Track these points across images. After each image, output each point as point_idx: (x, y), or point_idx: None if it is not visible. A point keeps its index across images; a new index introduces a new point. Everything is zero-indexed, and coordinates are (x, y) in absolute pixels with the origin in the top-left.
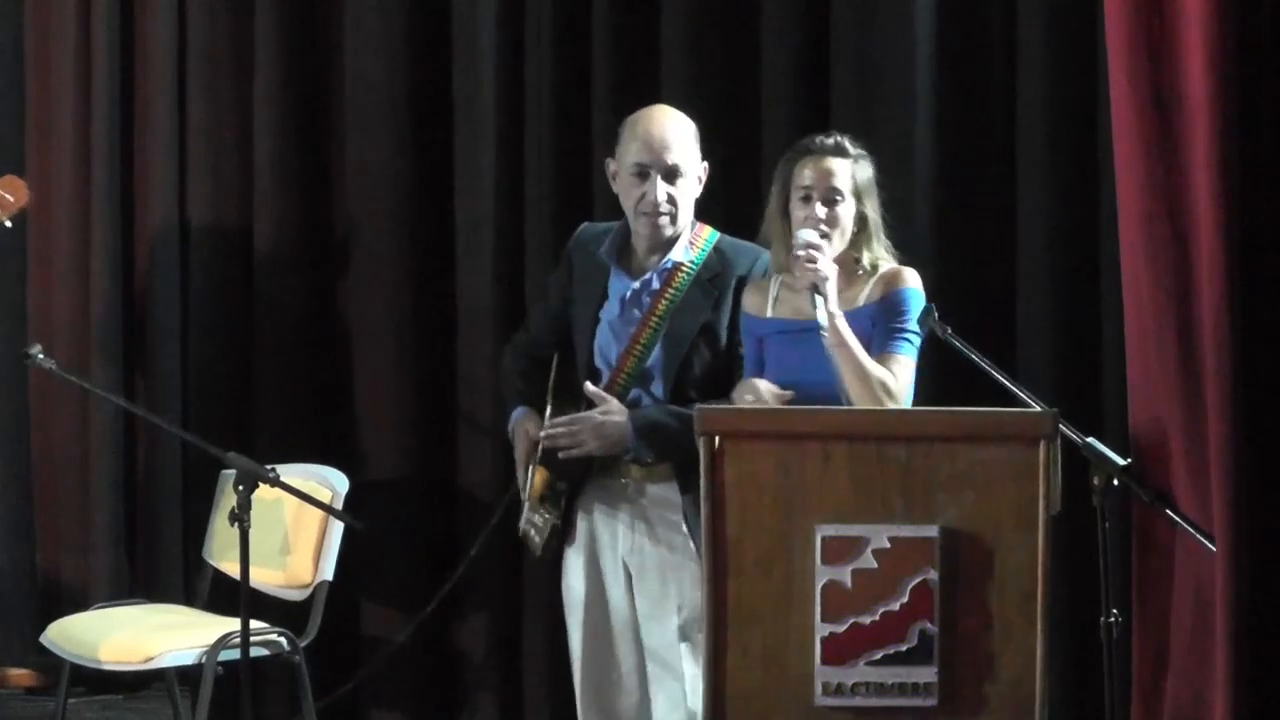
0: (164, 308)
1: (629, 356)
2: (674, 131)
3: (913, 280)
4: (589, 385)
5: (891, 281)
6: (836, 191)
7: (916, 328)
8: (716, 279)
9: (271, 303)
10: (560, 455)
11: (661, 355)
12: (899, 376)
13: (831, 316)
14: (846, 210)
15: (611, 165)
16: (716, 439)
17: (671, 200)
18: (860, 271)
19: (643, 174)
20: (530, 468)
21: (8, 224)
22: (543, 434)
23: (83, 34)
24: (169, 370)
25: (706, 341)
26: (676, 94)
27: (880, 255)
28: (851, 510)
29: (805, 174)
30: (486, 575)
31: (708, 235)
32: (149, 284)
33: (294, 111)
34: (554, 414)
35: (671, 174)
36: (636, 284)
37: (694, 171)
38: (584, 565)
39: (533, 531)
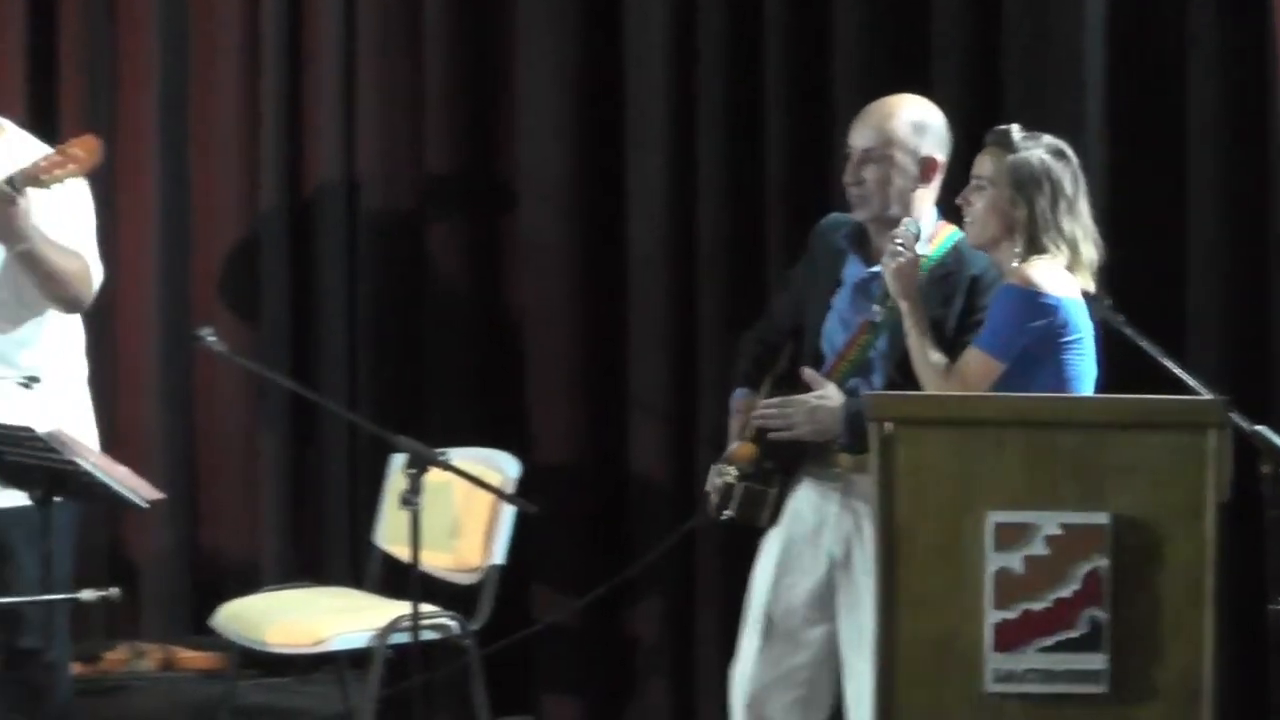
0: (332, 290)
1: (853, 345)
2: (876, 116)
3: (1020, 279)
4: (807, 369)
5: (1006, 276)
6: (979, 179)
7: (1004, 326)
8: (950, 277)
9: (441, 284)
10: (770, 436)
11: (885, 346)
12: (957, 368)
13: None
14: (985, 199)
15: None
16: (888, 425)
17: (860, 181)
18: (1013, 264)
19: (847, 156)
20: (738, 442)
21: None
22: (755, 413)
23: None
24: (337, 352)
25: (932, 336)
26: (847, 98)
27: (1025, 252)
28: (1023, 497)
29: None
30: (659, 560)
31: (948, 234)
32: (317, 267)
33: (461, 107)
34: (772, 396)
35: (863, 156)
36: (868, 272)
37: (898, 158)
38: (778, 553)
39: (710, 492)
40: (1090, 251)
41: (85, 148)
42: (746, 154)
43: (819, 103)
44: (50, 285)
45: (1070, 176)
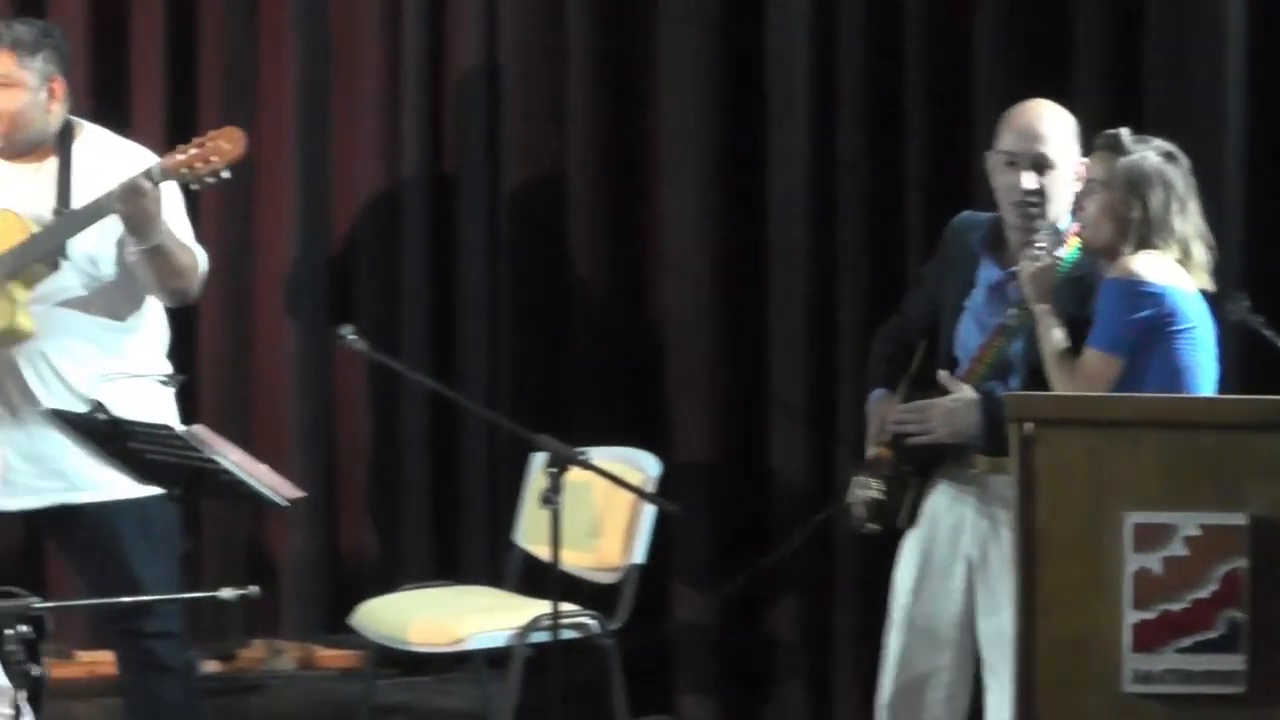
0: (473, 287)
1: (989, 348)
2: (1047, 123)
3: (1121, 271)
4: (942, 373)
5: (1110, 272)
6: (1091, 183)
7: (1111, 320)
8: (1085, 278)
9: (582, 283)
10: (908, 442)
11: (1022, 348)
12: (1078, 369)
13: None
14: (1097, 202)
15: (989, 159)
16: (1028, 426)
17: (1039, 191)
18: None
19: (1011, 163)
20: (876, 447)
21: (226, 175)
22: (892, 417)
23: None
24: (478, 351)
25: (1066, 339)
26: (987, 97)
27: (1136, 251)
28: (1162, 498)
29: None
30: (798, 560)
31: None
32: (458, 265)
33: (603, 111)
34: (908, 398)
35: (1040, 164)
36: (1004, 274)
37: (1068, 165)
38: (918, 555)
39: (854, 504)
40: (1201, 252)
41: (229, 139)
42: (887, 154)
43: (959, 102)
44: (171, 279)
45: (1181, 177)
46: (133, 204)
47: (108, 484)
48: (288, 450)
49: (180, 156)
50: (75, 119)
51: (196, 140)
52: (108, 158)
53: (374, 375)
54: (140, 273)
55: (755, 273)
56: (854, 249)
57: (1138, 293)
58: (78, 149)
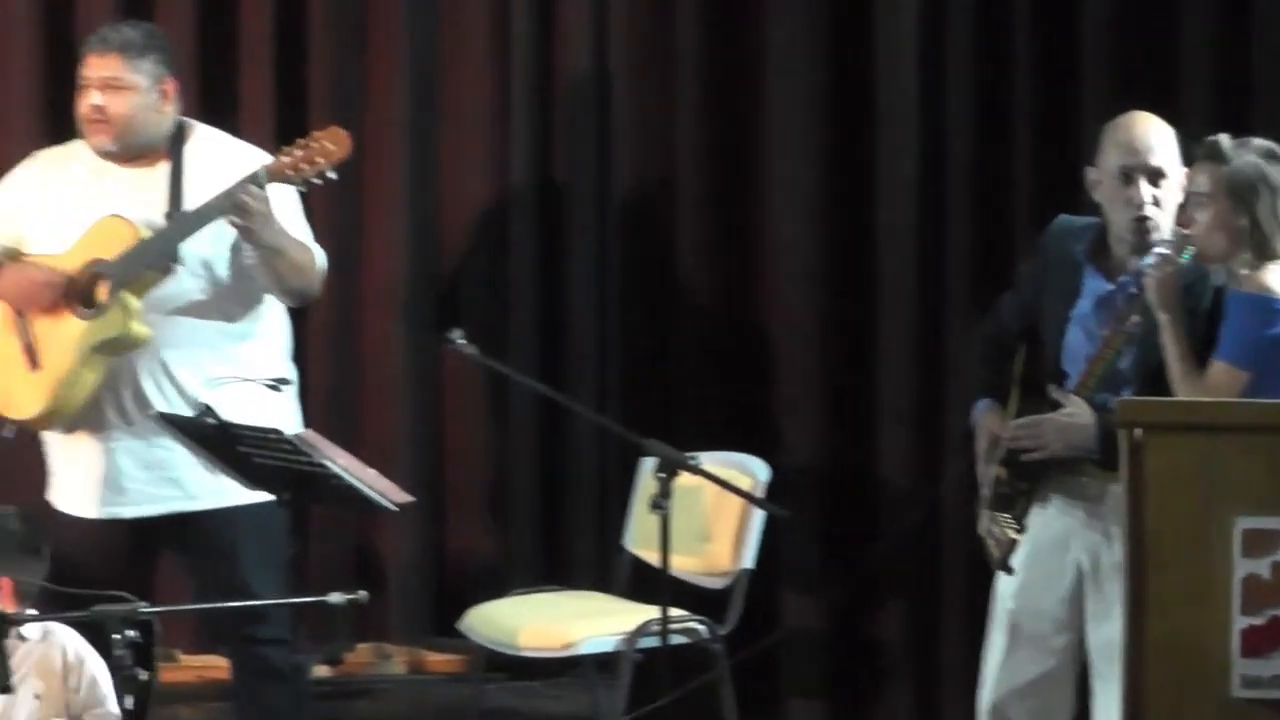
0: (582, 291)
1: (1100, 360)
2: (1155, 135)
3: (1255, 286)
4: (1053, 388)
5: (1240, 285)
6: (1197, 196)
7: (1242, 335)
8: (1193, 286)
9: (691, 288)
10: (1023, 459)
11: (1134, 360)
12: (1205, 382)
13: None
14: (1206, 214)
15: (1093, 173)
16: (1137, 431)
17: (1157, 202)
18: (1244, 272)
19: (1127, 177)
20: (990, 466)
21: (332, 175)
22: (1006, 435)
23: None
24: (587, 355)
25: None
26: (1095, 107)
27: (1255, 259)
28: (1271, 502)
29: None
30: (904, 565)
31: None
32: (567, 270)
33: (713, 116)
34: (1020, 410)
35: (1155, 176)
36: (1113, 285)
37: (1176, 177)
38: (1026, 560)
39: (990, 541)
40: None
41: (334, 139)
42: (995, 163)
43: (1066, 112)
44: (290, 279)
45: None
46: (241, 209)
47: (223, 491)
48: (396, 455)
49: (286, 159)
50: (187, 120)
51: (301, 141)
52: (221, 159)
53: (482, 380)
54: (258, 274)
55: (863, 278)
56: (961, 254)
57: (1272, 310)
58: (190, 151)
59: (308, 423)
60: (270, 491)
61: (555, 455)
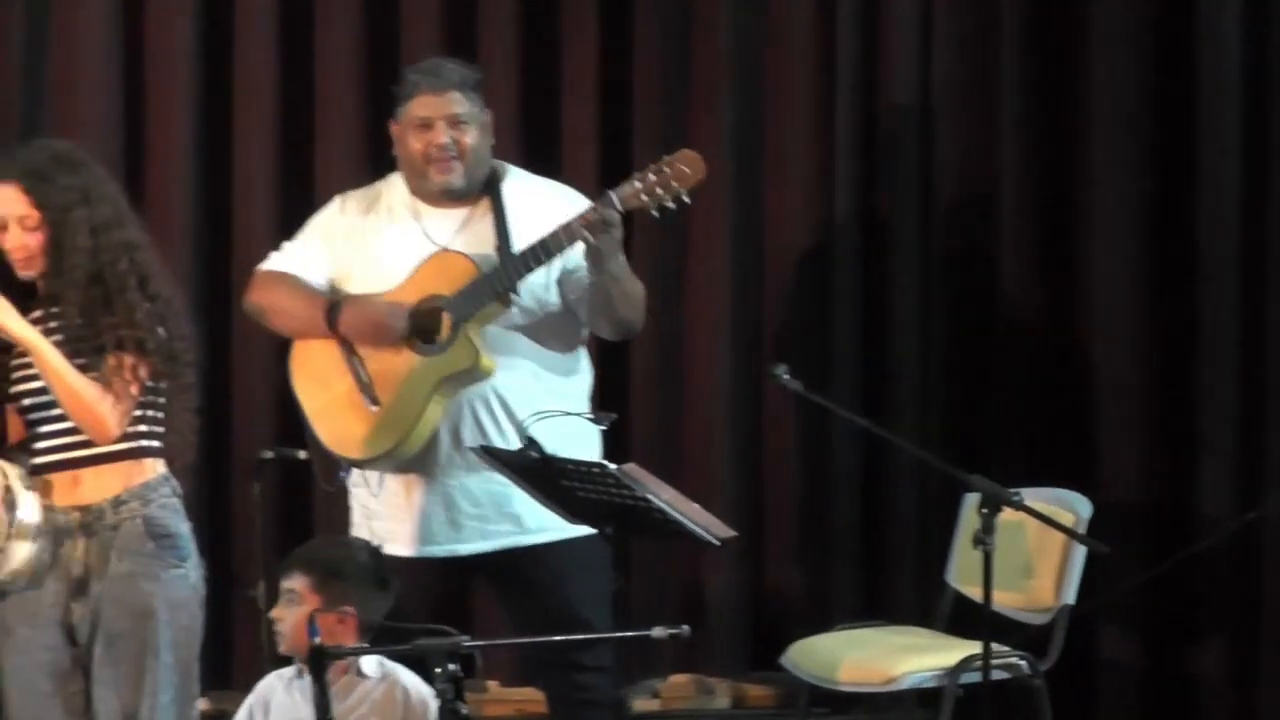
0: (905, 327)
1: None
2: None
3: None
4: None
5: None
6: None
7: None
8: None
9: (1013, 324)
10: None
11: None
12: None
13: None
14: None
15: None
16: None
17: None
18: None
19: None
20: None
21: (687, 200)
22: None
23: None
24: (910, 390)
25: None
26: None
27: None
28: None
29: None
30: (1225, 599)
31: None
32: (889, 304)
33: (1037, 151)
34: None
35: None
36: None
37: None
38: None
39: None
40: None
41: (689, 163)
42: None
43: None
44: (623, 309)
45: None
46: (601, 236)
47: (555, 525)
48: (717, 489)
49: (638, 184)
50: (499, 162)
51: (653, 166)
52: (537, 196)
53: (804, 414)
54: (592, 305)
55: (1184, 311)
56: None
57: None
58: (507, 189)
59: (630, 456)
60: (593, 525)
61: (876, 490)
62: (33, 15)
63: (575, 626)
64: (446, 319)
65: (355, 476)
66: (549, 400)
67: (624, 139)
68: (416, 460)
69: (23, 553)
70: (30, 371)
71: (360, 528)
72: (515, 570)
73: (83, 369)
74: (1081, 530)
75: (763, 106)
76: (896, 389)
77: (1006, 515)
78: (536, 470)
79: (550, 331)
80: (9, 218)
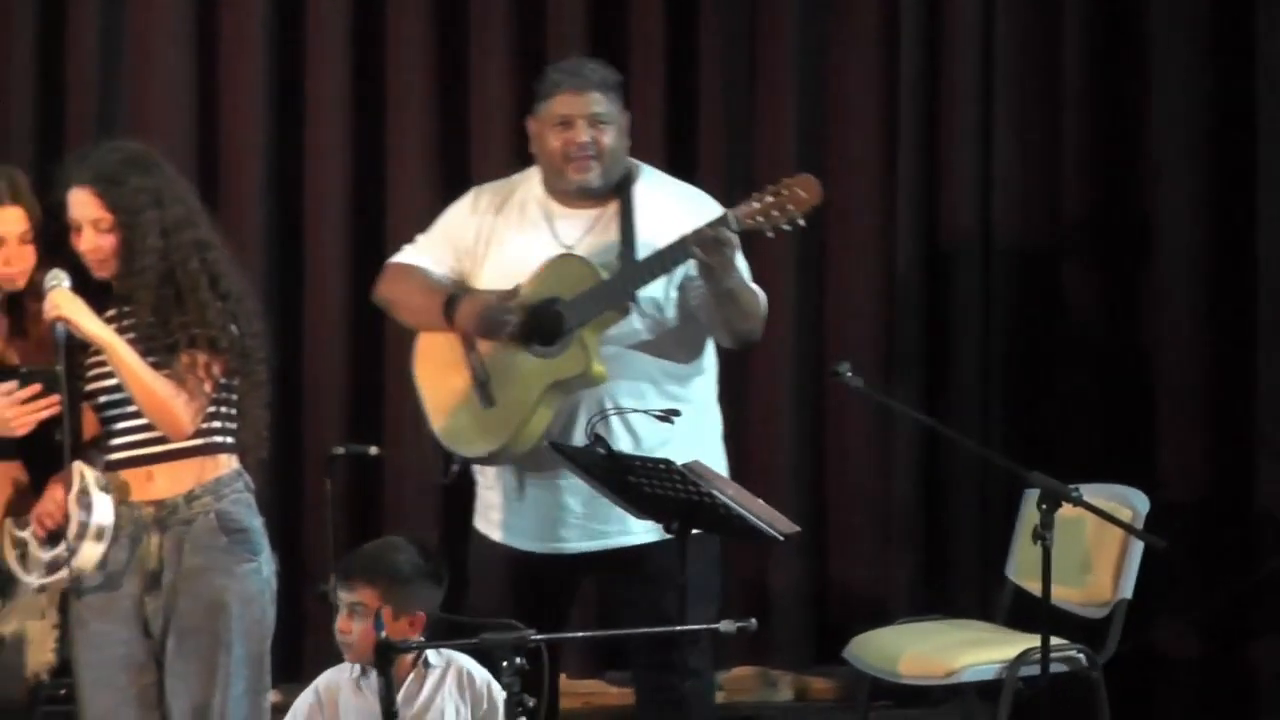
0: (966, 327)
1: None
2: None
3: None
4: None
5: None
6: None
7: None
8: None
9: (1073, 322)
10: None
11: None
12: None
13: None
14: None
15: None
16: None
17: None
18: None
19: None
20: None
21: (801, 223)
22: None
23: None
24: (970, 388)
25: None
26: None
27: None
28: None
29: None
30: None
31: None
32: (951, 304)
33: (1096, 152)
34: None
35: None
36: None
37: None
38: None
39: None
40: None
41: (805, 187)
42: None
43: None
44: (737, 322)
45: None
46: (714, 254)
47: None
48: (780, 485)
49: (755, 205)
50: (633, 161)
51: (771, 188)
52: (669, 201)
53: (865, 411)
54: (710, 315)
55: (1244, 311)
56: None
57: None
58: (639, 192)
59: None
60: (659, 520)
61: (937, 486)
62: (108, 9)
63: (674, 622)
64: (563, 323)
65: (475, 468)
66: (664, 404)
67: (691, 149)
68: (529, 459)
69: (94, 554)
70: (106, 370)
71: (481, 519)
72: (618, 569)
73: (156, 367)
74: (1139, 526)
75: (826, 107)
76: (958, 387)
77: (1065, 511)
78: (605, 466)
79: (670, 337)
80: (83, 220)
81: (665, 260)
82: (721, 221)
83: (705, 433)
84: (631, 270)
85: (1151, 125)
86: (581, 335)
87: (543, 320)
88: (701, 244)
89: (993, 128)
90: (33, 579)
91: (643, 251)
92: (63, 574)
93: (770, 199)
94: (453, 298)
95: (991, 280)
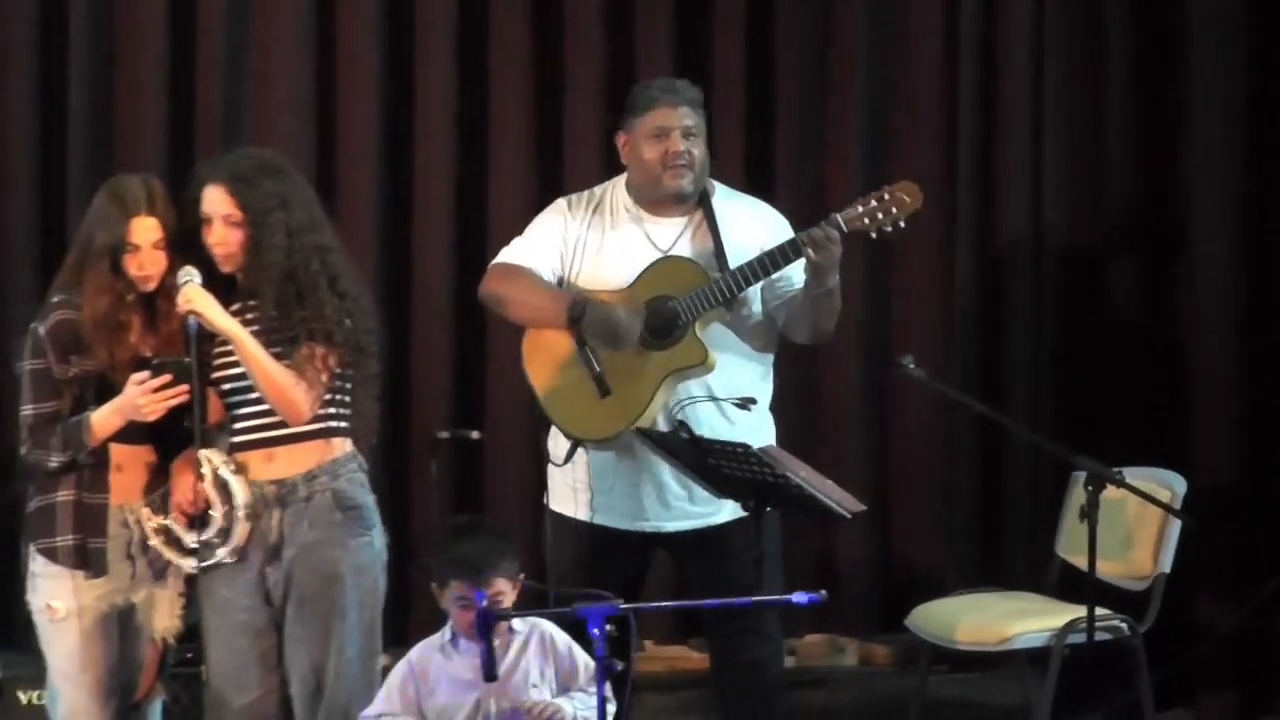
0: (1020, 322)
1: None
2: None
3: None
4: None
5: None
6: None
7: None
8: None
9: (1118, 318)
10: None
11: None
12: None
13: None
14: None
15: None
16: None
17: None
18: None
19: None
20: None
21: (903, 225)
22: None
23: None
24: (1024, 378)
25: None
26: None
27: None
28: None
29: None
30: None
31: None
32: (1006, 301)
33: (1138, 157)
34: None
35: None
36: None
37: None
38: None
39: None
40: None
41: (908, 192)
42: None
43: None
44: (825, 319)
45: None
46: (824, 252)
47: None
48: (848, 467)
49: (861, 208)
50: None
51: (876, 193)
52: (744, 211)
53: (927, 399)
54: (798, 313)
55: (1270, 290)
56: None
57: None
58: (717, 203)
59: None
60: (736, 500)
61: (993, 470)
62: (235, 13)
63: (748, 592)
64: (678, 319)
65: (556, 453)
66: (752, 390)
67: (767, 144)
68: (617, 444)
69: (245, 531)
70: (231, 359)
71: (565, 501)
72: (707, 546)
73: (277, 357)
74: (1177, 506)
75: (886, 108)
76: (1011, 377)
77: (1110, 492)
78: (686, 450)
79: (751, 332)
80: (215, 215)
81: (774, 260)
82: (830, 223)
83: (762, 426)
84: (743, 271)
85: (1193, 126)
86: (693, 329)
87: (660, 316)
88: (813, 244)
89: (1043, 132)
90: (192, 562)
91: (731, 254)
92: (222, 553)
93: (875, 203)
94: (577, 304)
95: (1043, 278)
